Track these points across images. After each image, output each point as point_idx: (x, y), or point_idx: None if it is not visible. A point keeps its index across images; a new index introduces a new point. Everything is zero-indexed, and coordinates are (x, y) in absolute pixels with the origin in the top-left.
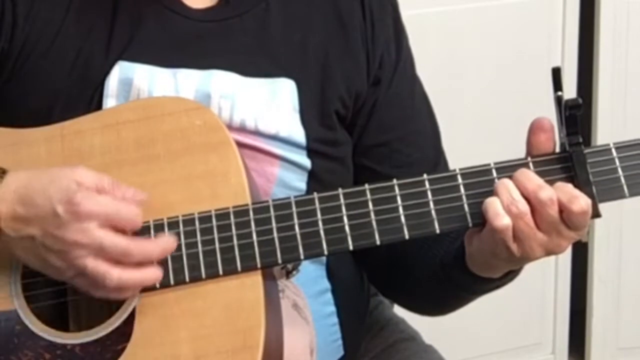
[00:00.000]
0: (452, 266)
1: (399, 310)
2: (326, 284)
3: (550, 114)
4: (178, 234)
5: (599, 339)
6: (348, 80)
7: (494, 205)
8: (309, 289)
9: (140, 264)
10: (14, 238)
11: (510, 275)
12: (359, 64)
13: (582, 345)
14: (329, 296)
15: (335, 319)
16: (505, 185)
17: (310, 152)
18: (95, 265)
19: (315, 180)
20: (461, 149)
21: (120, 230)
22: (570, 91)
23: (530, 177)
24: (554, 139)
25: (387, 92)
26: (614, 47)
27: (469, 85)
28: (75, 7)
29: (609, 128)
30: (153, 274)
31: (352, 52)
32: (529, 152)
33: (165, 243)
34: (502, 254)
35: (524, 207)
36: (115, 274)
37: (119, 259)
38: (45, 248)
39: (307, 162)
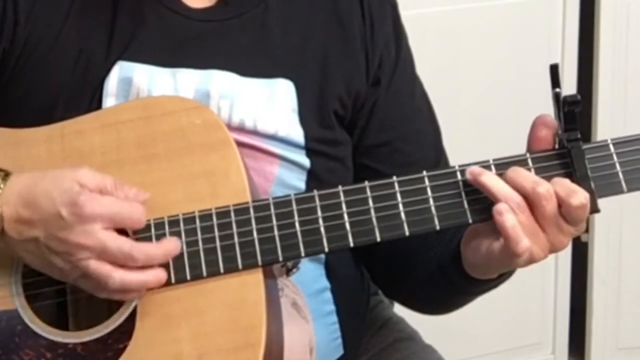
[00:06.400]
0: (449, 268)
1: (398, 310)
2: (325, 283)
3: (550, 113)
4: (179, 233)
5: (599, 339)
6: (347, 80)
7: (515, 232)
8: (308, 288)
9: (144, 266)
10: (18, 240)
11: (506, 274)
12: (358, 64)
13: (582, 345)
14: (328, 295)
15: (334, 318)
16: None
17: (309, 151)
18: (97, 267)
19: (314, 179)
20: (461, 149)
21: (124, 230)
22: (570, 91)
23: (525, 175)
24: (555, 137)
25: (387, 92)
26: (614, 46)
27: (468, 85)
28: (77, 7)
29: (609, 128)
30: (155, 276)
31: (351, 52)
32: (529, 148)
33: (168, 246)
34: (514, 265)
35: (518, 198)
36: (118, 277)
37: (123, 262)
38: (49, 250)
39: (306, 162)
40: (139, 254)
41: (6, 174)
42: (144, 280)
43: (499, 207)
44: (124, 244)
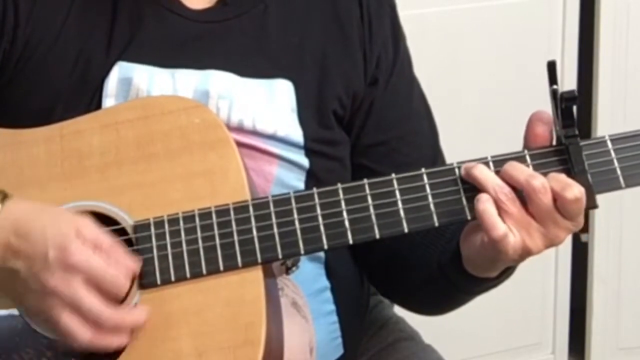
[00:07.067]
0: (449, 267)
1: (398, 310)
2: (325, 283)
3: (550, 112)
4: (179, 232)
5: (599, 339)
6: (346, 80)
7: (487, 217)
8: (308, 288)
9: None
10: None
11: (506, 273)
12: (356, 64)
13: (582, 345)
14: (328, 294)
15: (334, 318)
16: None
17: (308, 151)
18: (69, 321)
19: (313, 179)
20: (461, 149)
21: (103, 292)
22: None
23: (520, 168)
24: (551, 133)
25: (384, 92)
26: (614, 45)
27: (468, 85)
28: (76, 8)
29: (609, 126)
30: (118, 342)
31: (349, 52)
32: (526, 145)
33: (137, 316)
34: (505, 257)
35: (506, 189)
36: (86, 337)
37: (91, 321)
38: (25, 286)
39: (305, 162)
40: (106, 321)
41: (5, 196)
42: (107, 345)
43: (479, 195)
44: (97, 306)
